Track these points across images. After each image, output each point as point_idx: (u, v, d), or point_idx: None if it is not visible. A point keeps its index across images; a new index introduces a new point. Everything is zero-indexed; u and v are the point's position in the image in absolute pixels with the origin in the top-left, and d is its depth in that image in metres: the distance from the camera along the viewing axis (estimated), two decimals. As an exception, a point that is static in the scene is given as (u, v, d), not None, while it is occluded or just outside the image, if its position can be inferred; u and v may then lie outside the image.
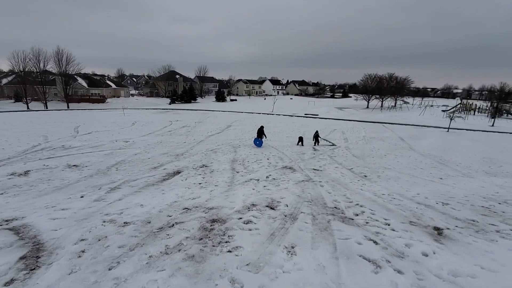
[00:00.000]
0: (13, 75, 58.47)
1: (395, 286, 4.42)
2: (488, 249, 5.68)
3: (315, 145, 20.16)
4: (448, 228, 6.78)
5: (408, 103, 67.96)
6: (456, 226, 6.94)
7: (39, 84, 50.43)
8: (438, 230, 6.69)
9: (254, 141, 18.86)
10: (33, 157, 14.22)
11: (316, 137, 20.42)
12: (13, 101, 55.22)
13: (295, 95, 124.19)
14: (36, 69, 51.69)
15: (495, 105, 45.72)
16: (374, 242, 5.84)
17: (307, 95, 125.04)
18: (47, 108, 48.94)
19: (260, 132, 18.70)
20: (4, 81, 67.98)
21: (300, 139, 20.32)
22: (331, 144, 20.69)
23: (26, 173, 11.40)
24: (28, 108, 46.98)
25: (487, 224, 7.15)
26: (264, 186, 9.97)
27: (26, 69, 50.71)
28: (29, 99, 48.45)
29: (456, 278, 4.65)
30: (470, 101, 65.60)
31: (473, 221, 7.35)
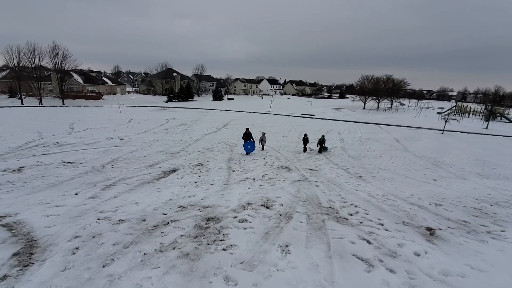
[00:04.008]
0: (7, 70, 57.61)
1: (387, 285, 4.48)
2: (479, 249, 5.78)
3: (319, 152, 17.68)
4: (440, 229, 6.88)
5: (404, 105, 68.48)
6: (448, 227, 7.05)
7: (34, 79, 49.74)
8: (431, 230, 6.79)
9: (244, 146, 16.01)
10: (27, 154, 14.08)
11: (321, 142, 17.89)
12: (7, 96, 54.40)
13: (293, 95, 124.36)
14: (31, 64, 51.01)
15: (489, 108, 46.32)
16: (367, 242, 5.91)
17: (304, 95, 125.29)
18: (42, 104, 48.34)
19: (248, 136, 16.10)
20: (-2, 76, 66.96)
21: (305, 143, 17.90)
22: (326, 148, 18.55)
23: (19, 169, 11.29)
24: (22, 103, 46.36)
25: (478, 225, 7.27)
26: (260, 185, 10.00)
27: (21, 64, 49.97)
28: (23, 95, 47.79)
29: (446, 277, 4.74)
30: (465, 104, 66.35)
31: (465, 222, 7.47)
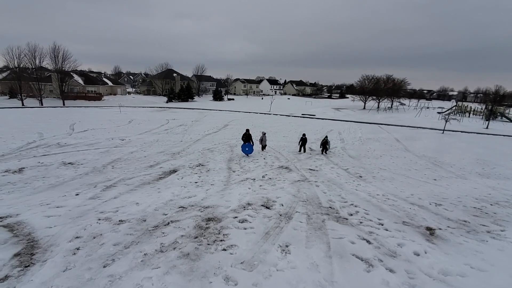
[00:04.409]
0: (8, 71, 57.75)
1: (386, 284, 4.50)
2: (478, 249, 5.79)
3: (323, 153, 17.27)
4: (440, 229, 6.89)
5: (404, 104, 68.46)
6: (448, 227, 7.06)
7: (35, 80, 49.85)
8: (431, 230, 6.80)
9: (242, 148, 15.66)
10: (28, 154, 14.11)
11: (325, 144, 17.31)
12: (7, 97, 54.56)
13: (293, 95, 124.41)
14: (31, 65, 51.15)
15: (489, 107, 46.30)
16: (367, 242, 5.92)
17: (304, 95, 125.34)
18: (42, 105, 48.43)
19: (248, 137, 15.66)
20: (-1, 77, 67.14)
21: (302, 144, 17.40)
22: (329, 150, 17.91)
23: (20, 170, 11.32)
24: (23, 104, 46.46)
25: (478, 225, 7.28)
26: (260, 186, 10.01)
27: (21, 65, 50.08)
28: (24, 96, 47.92)
29: (446, 277, 4.75)
30: (465, 104, 66.33)
31: (465, 221, 7.48)
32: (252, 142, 15.80)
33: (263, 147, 17.21)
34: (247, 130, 16.04)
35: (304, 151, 17.50)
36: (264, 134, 17.29)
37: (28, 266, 4.75)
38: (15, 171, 11.11)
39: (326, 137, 17.89)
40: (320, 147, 17.51)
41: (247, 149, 15.52)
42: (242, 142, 15.92)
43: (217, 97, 75.84)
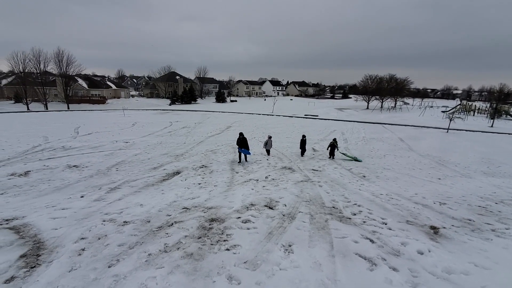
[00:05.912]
0: (13, 76, 58.63)
1: (389, 283, 4.49)
2: (483, 247, 5.75)
3: (330, 157, 16.02)
4: (444, 227, 6.85)
5: (408, 104, 68.06)
6: (452, 225, 7.01)
7: (39, 85, 50.54)
8: (435, 229, 6.76)
9: (243, 152, 14.36)
10: (33, 158, 14.29)
11: (333, 146, 16.08)
12: (13, 102, 55.38)
13: (295, 96, 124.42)
14: (36, 70, 51.89)
15: (494, 106, 45.86)
16: (370, 241, 5.91)
17: (307, 96, 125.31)
18: (47, 109, 49.03)
19: (243, 142, 14.20)
20: (4, 82, 68.27)
21: (302, 146, 16.34)
22: (352, 158, 16.00)
23: (26, 173, 11.47)
24: (28, 109, 47.09)
25: (483, 223, 7.22)
26: (263, 186, 10.03)
27: (26, 70, 50.81)
28: (29, 100, 48.57)
29: (450, 275, 4.72)
30: (470, 102, 65.78)
31: (470, 220, 7.43)
32: (248, 147, 14.54)
33: (268, 151, 16.23)
34: (241, 134, 14.56)
35: (302, 154, 16.47)
36: (270, 138, 16.14)
37: (34, 267, 4.81)
38: (21, 174, 11.26)
39: (335, 139, 16.55)
40: (328, 149, 16.42)
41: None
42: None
43: (220, 99, 76.18)
